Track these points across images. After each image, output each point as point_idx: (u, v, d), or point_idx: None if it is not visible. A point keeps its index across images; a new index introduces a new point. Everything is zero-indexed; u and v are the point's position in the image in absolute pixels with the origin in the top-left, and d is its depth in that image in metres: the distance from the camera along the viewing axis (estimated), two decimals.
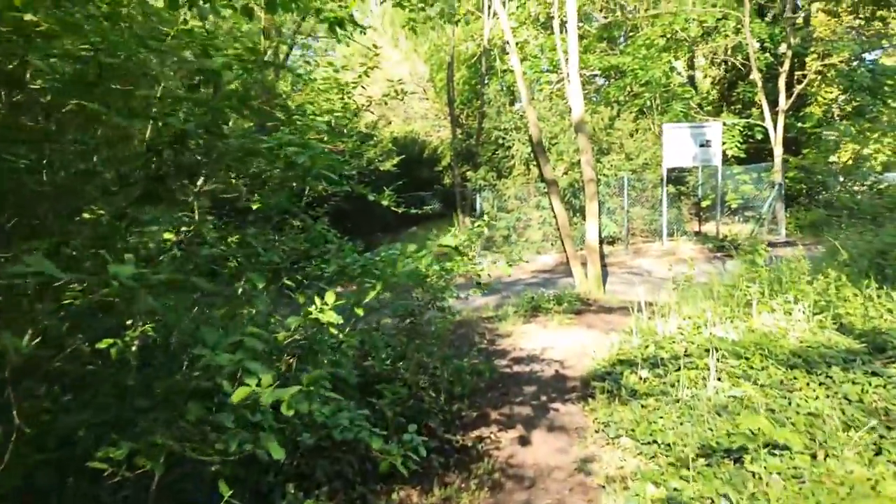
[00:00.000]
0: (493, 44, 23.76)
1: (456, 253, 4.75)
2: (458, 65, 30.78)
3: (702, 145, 15.62)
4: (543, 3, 22.25)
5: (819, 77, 19.37)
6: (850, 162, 18.97)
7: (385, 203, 5.98)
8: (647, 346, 6.60)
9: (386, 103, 9.33)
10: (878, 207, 16.44)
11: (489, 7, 23.19)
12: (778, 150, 16.74)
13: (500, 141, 16.78)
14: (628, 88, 19.77)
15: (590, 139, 11.07)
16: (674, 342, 6.48)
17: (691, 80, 24.35)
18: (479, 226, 6.20)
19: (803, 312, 6.50)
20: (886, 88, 18.68)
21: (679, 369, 5.58)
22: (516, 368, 7.05)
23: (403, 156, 18.44)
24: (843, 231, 15.15)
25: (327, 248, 5.43)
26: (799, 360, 5.36)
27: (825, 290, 7.00)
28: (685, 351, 6.18)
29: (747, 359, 5.48)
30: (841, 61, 18.07)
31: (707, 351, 5.96)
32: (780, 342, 5.81)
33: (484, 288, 5.48)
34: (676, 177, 17.48)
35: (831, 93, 20.29)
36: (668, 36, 19.40)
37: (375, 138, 17.79)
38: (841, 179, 18.54)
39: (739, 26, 17.82)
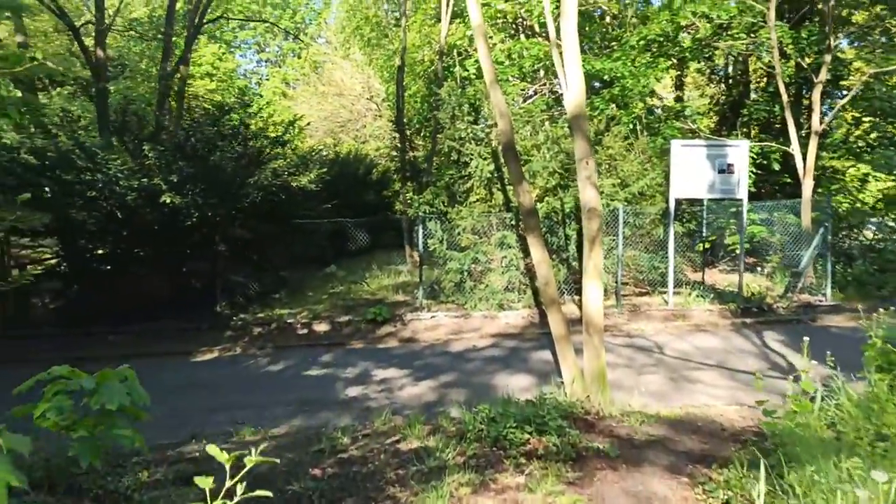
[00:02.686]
0: (451, 46, 19.35)
1: None
2: (414, 77, 26.41)
3: (721, 171, 11.29)
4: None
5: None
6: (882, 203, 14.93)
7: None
8: None
9: None
10: None
11: (448, 4, 18.86)
12: (808, 184, 12.53)
13: (455, 156, 12.22)
14: (616, 101, 15.50)
15: (591, 145, 6.49)
16: None
17: (679, 101, 20.29)
18: None
19: None
20: None
21: None
22: None
23: (324, 169, 13.66)
24: None
25: None
26: None
27: None
28: None
29: None
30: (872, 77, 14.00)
31: None
32: None
33: None
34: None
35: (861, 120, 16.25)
36: (666, 36, 15.22)
37: (288, 147, 12.97)
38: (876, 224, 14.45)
39: (758, 25, 13.72)
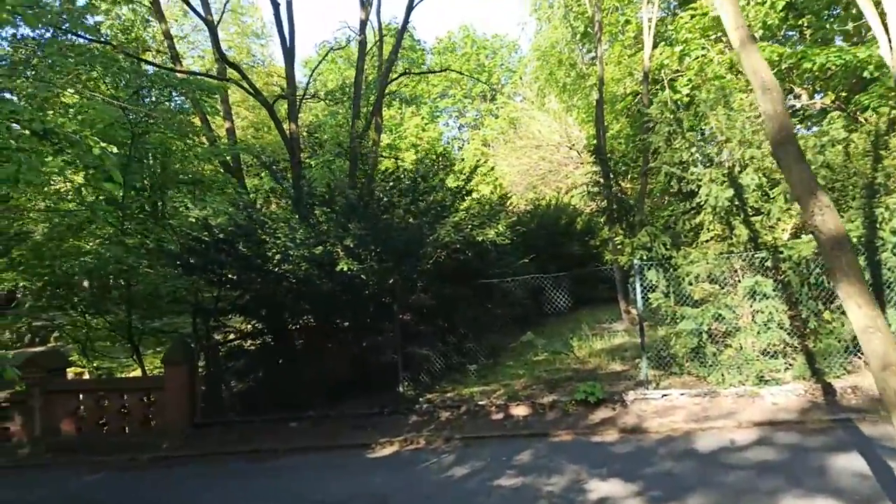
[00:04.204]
0: (659, 66, 16.61)
1: None
2: (615, 115, 23.86)
3: None
4: None
5: None
6: None
7: None
8: None
9: None
10: None
11: (650, 26, 16.28)
12: None
13: (675, 185, 9.46)
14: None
15: None
16: None
17: None
18: None
19: None
20: None
21: None
22: None
23: (513, 218, 11.65)
24: None
25: None
26: None
27: None
28: None
29: None
30: None
31: None
32: None
33: None
34: None
35: None
36: None
37: (473, 197, 11.19)
38: None
39: None
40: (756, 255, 8.43)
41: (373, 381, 9.84)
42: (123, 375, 14.34)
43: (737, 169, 9.16)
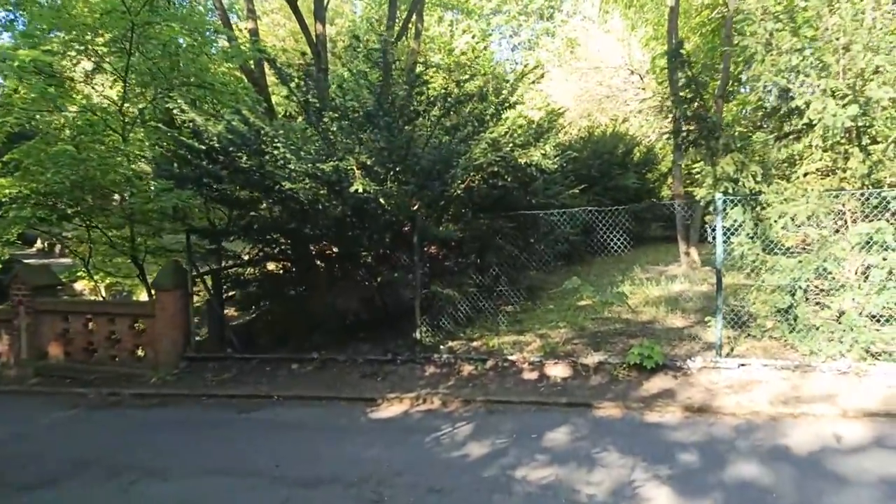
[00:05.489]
0: None
1: None
2: (689, 32, 20.96)
3: None
4: None
5: None
6: None
7: None
8: None
9: None
10: None
11: None
12: None
13: (773, 100, 7.33)
14: None
15: None
16: None
17: None
18: None
19: None
20: None
21: None
22: None
23: (561, 138, 9.63)
24: None
25: None
26: None
27: None
28: None
29: None
30: None
31: None
32: None
33: None
34: None
35: None
36: None
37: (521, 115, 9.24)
38: None
39: None
40: (884, 194, 6.38)
41: (388, 323, 8.39)
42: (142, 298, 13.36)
43: (859, 82, 6.97)
